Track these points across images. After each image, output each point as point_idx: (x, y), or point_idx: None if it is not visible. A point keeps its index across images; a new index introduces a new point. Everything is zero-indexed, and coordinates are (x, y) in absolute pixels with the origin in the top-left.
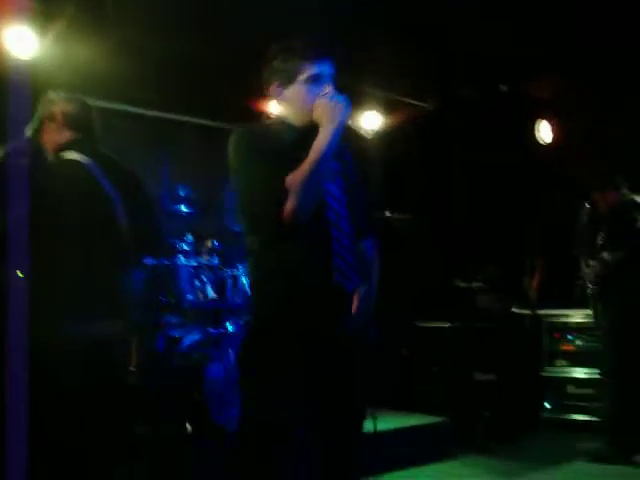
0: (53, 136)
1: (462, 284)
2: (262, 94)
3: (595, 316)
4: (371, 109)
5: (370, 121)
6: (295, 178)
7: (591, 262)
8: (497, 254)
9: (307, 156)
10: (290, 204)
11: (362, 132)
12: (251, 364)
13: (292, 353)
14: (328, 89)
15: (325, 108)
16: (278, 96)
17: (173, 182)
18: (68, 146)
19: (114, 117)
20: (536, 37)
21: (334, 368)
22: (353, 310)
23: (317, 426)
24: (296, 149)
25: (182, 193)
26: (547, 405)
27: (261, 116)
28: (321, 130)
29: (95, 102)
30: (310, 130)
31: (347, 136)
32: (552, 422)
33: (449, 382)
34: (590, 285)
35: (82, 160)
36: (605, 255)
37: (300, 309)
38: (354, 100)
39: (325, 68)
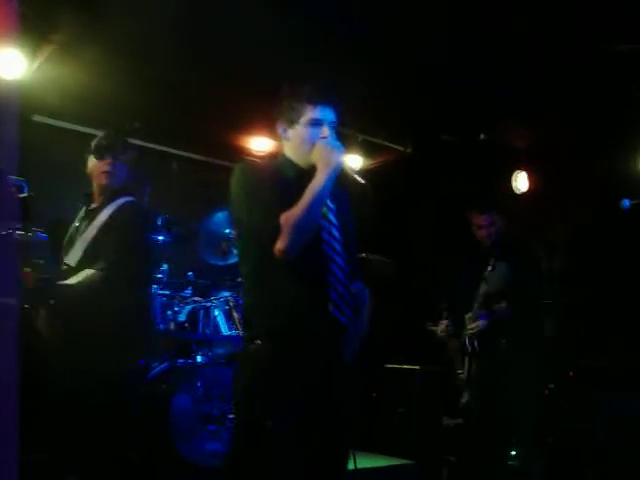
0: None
1: (433, 327)
2: (245, 131)
3: None
4: (351, 152)
5: (349, 163)
6: (288, 217)
7: None
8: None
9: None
10: (281, 242)
11: (358, 178)
12: (247, 396)
13: (289, 384)
14: (326, 132)
15: (322, 152)
16: (282, 135)
17: (152, 211)
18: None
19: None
20: (516, 86)
21: (331, 397)
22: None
23: (314, 457)
24: (295, 188)
25: (160, 222)
26: (514, 453)
27: (242, 152)
28: (317, 172)
29: (79, 128)
30: (310, 171)
31: (344, 180)
32: (519, 470)
33: (417, 425)
34: None
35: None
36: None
37: (295, 340)
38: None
39: (327, 113)
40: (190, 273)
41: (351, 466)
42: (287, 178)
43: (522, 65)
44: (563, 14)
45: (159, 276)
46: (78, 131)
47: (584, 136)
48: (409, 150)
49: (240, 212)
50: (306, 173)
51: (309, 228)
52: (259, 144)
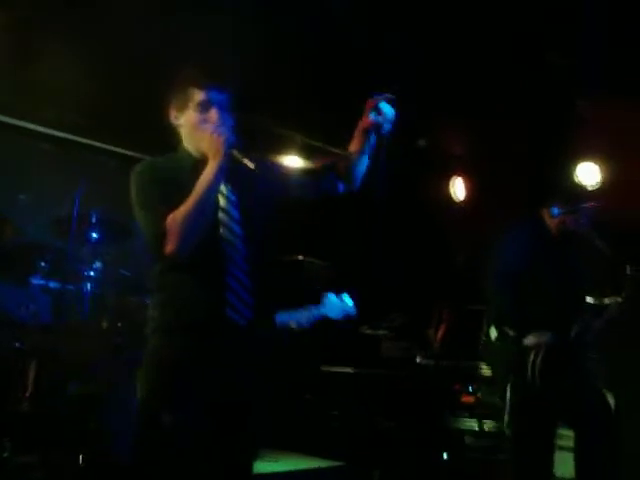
0: None
1: (368, 331)
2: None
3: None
4: (291, 153)
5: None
6: (176, 216)
7: None
8: (404, 303)
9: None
10: (170, 244)
11: (248, 163)
12: (147, 392)
13: (186, 382)
14: (214, 116)
15: (209, 140)
16: (175, 123)
17: (87, 208)
18: None
19: (31, 137)
20: (453, 92)
21: (229, 398)
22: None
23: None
24: (191, 181)
25: (94, 219)
26: (445, 456)
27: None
28: (207, 165)
29: (16, 121)
30: (205, 159)
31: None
32: (450, 473)
33: (349, 427)
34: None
35: None
36: None
37: (193, 341)
38: (275, 143)
39: (214, 94)
40: (124, 270)
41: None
42: (183, 171)
43: (462, 70)
44: (502, 24)
45: (91, 274)
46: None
47: (520, 144)
48: (348, 154)
49: (138, 218)
50: (201, 163)
51: (198, 226)
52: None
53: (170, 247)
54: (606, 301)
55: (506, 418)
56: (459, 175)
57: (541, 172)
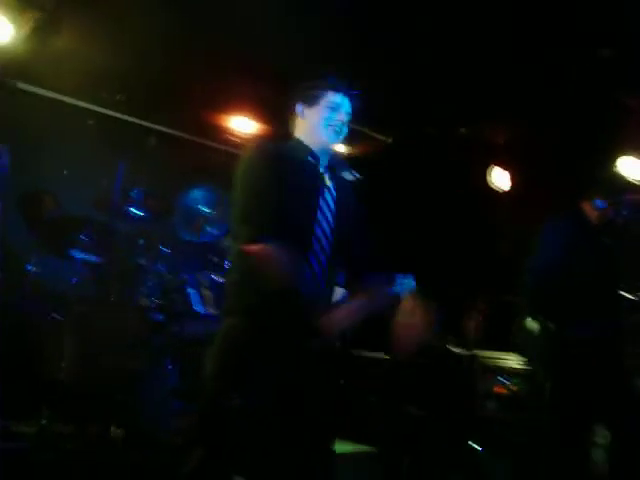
0: None
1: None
2: (225, 110)
3: None
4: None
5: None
6: (273, 256)
7: None
8: (440, 292)
9: (311, 182)
10: (254, 254)
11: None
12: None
13: (262, 363)
14: (342, 118)
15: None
16: (300, 114)
17: (128, 184)
18: None
19: (79, 114)
20: (498, 82)
21: (305, 383)
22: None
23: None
24: (303, 172)
25: (136, 196)
26: (476, 446)
27: (222, 132)
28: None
29: (62, 97)
30: (320, 152)
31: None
32: (479, 463)
33: (381, 414)
34: None
35: None
36: None
37: (270, 321)
38: None
39: (345, 101)
40: (164, 248)
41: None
42: (297, 161)
43: (505, 64)
44: (548, 17)
45: (133, 250)
46: (62, 101)
47: (564, 136)
48: (391, 140)
49: (240, 193)
50: (316, 155)
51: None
52: (240, 124)
53: (251, 254)
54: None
55: (544, 411)
56: (503, 165)
57: (584, 164)
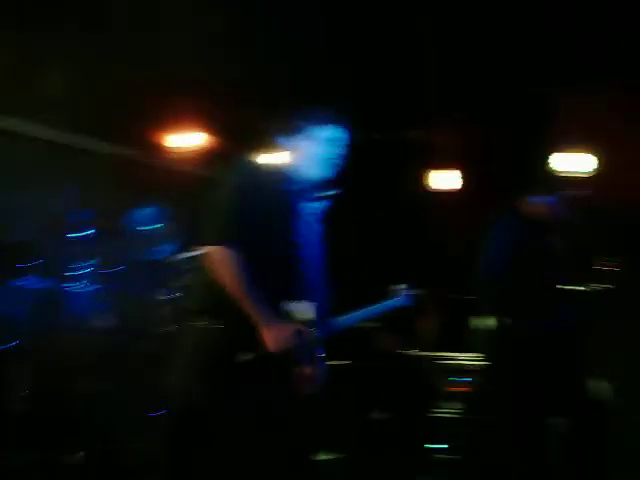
0: None
1: (360, 324)
2: (169, 128)
3: None
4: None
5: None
6: (227, 268)
7: None
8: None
9: (290, 217)
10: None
11: None
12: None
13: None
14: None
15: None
16: (290, 146)
17: (78, 207)
18: None
19: (22, 136)
20: (439, 87)
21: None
22: None
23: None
24: (279, 201)
25: (86, 218)
26: (439, 446)
27: (166, 149)
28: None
29: (4, 122)
30: (302, 184)
31: None
32: (443, 463)
33: (345, 420)
34: None
35: None
36: None
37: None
38: (265, 138)
39: (338, 134)
40: (118, 268)
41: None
42: (275, 189)
43: (446, 69)
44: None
45: (88, 270)
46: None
47: (503, 135)
48: None
49: (211, 205)
50: (296, 187)
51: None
52: (183, 141)
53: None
54: (586, 288)
55: (499, 406)
56: (451, 166)
57: (522, 162)
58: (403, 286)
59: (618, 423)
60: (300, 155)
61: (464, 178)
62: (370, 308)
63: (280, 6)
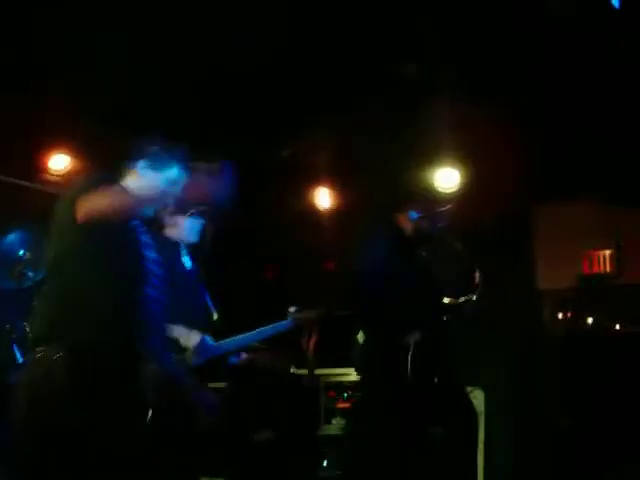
0: None
1: None
2: (38, 148)
3: None
4: None
5: None
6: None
7: None
8: (273, 313)
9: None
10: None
11: None
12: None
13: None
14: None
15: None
16: (139, 170)
17: None
18: None
19: None
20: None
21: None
22: None
23: None
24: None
25: None
26: (325, 463)
27: (35, 170)
28: None
29: None
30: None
31: None
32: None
33: (226, 442)
34: None
35: None
36: None
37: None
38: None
39: (182, 176)
40: None
41: None
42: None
43: (323, 80)
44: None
45: None
46: None
47: (379, 151)
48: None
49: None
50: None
51: None
52: (57, 163)
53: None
54: (461, 300)
55: (375, 417)
56: (324, 184)
57: (397, 178)
58: (292, 308)
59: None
60: (144, 186)
61: (340, 196)
62: (258, 331)
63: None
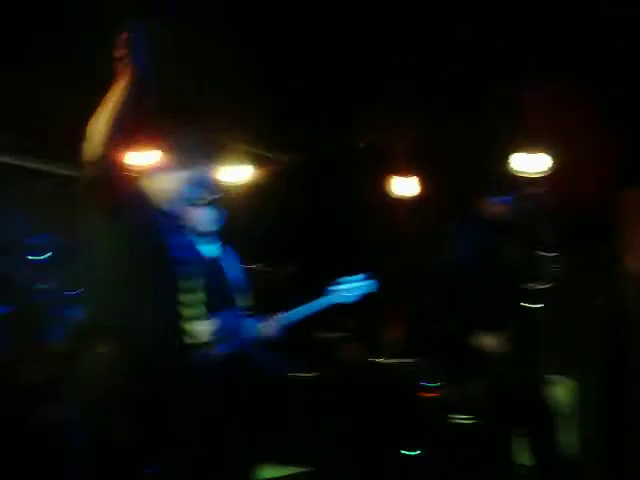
0: None
1: (322, 335)
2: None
3: None
4: (239, 163)
5: (239, 174)
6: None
7: None
8: (358, 305)
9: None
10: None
11: None
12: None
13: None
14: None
15: None
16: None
17: (31, 231)
18: None
19: None
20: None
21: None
22: None
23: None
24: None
25: (40, 242)
26: (413, 453)
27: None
28: None
29: None
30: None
31: None
32: (419, 470)
33: (312, 432)
34: None
35: None
36: None
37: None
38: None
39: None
40: (74, 290)
41: None
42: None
43: (403, 68)
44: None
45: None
46: None
47: (459, 136)
48: (290, 160)
49: None
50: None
51: None
52: (136, 159)
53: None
54: (543, 287)
55: (475, 410)
56: (404, 173)
57: (479, 163)
58: (360, 276)
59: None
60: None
61: (421, 184)
62: (321, 300)
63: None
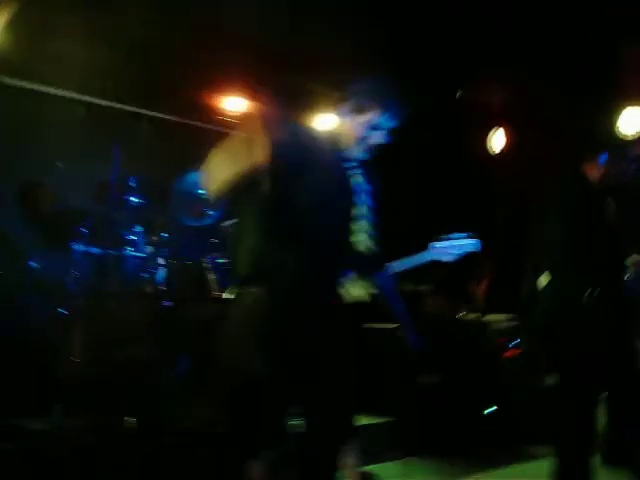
0: None
1: (410, 287)
2: (216, 90)
3: None
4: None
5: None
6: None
7: None
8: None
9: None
10: None
11: None
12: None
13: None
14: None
15: None
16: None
17: (124, 172)
18: None
19: (68, 105)
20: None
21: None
22: None
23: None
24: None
25: (133, 184)
26: (492, 410)
27: (211, 112)
28: None
29: (48, 89)
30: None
31: None
32: (497, 428)
33: (394, 384)
34: None
35: None
36: None
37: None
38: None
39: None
40: (165, 234)
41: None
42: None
43: (501, 20)
44: None
45: (134, 238)
46: (49, 92)
47: (562, 91)
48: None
49: None
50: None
51: None
52: (231, 104)
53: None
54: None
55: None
56: (500, 127)
57: (582, 121)
58: (464, 234)
59: None
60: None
61: (516, 139)
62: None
63: None
